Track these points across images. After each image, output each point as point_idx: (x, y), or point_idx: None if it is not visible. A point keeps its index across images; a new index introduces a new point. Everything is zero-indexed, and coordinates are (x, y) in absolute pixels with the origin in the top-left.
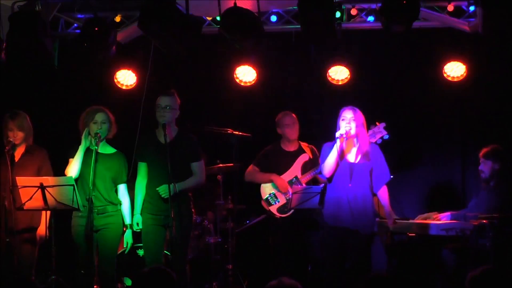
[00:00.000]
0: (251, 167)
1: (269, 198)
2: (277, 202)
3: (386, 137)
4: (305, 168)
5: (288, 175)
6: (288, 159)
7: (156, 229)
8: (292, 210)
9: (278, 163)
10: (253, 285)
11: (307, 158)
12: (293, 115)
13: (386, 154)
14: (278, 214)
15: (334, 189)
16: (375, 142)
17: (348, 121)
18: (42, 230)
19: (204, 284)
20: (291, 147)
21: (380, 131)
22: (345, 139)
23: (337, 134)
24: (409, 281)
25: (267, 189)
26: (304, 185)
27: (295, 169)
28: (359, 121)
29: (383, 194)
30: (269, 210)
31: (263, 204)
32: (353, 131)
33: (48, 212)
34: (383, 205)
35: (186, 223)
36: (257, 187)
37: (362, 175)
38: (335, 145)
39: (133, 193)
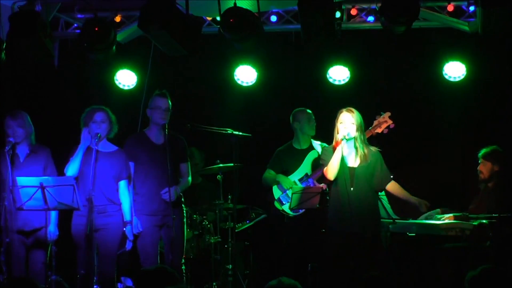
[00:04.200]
0: (266, 172)
1: (281, 198)
2: (289, 201)
3: (392, 126)
4: (315, 165)
5: (299, 173)
6: (299, 157)
7: (152, 230)
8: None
9: (290, 162)
10: (253, 285)
11: (316, 155)
12: (311, 112)
13: (386, 153)
14: (290, 213)
15: (336, 193)
16: (382, 132)
17: (347, 124)
18: (52, 229)
19: (204, 284)
20: (302, 145)
21: (385, 121)
22: (347, 141)
23: (341, 137)
24: (409, 281)
25: (278, 190)
26: (315, 181)
27: (305, 166)
28: (358, 123)
29: (393, 187)
30: (283, 210)
31: (276, 204)
32: (353, 134)
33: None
34: (400, 197)
35: (181, 222)
36: (258, 188)
37: (364, 179)
38: (338, 148)
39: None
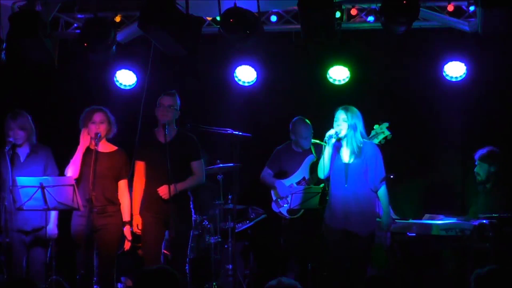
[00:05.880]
0: (264, 170)
1: (279, 200)
2: (286, 203)
3: (390, 137)
4: (313, 169)
5: (297, 176)
6: (298, 160)
7: (156, 228)
8: (301, 211)
9: (288, 164)
10: (253, 285)
11: (314, 159)
12: (309, 123)
13: (386, 153)
14: (288, 216)
15: (331, 190)
16: (379, 143)
17: (339, 122)
18: (52, 228)
19: (204, 284)
20: (301, 148)
21: (382, 132)
22: (335, 139)
23: (326, 136)
24: (409, 281)
25: (275, 193)
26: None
27: (303, 170)
28: (351, 122)
29: (381, 196)
30: (280, 212)
31: (274, 205)
32: (343, 132)
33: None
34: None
35: (186, 223)
36: (258, 188)
37: (357, 175)
38: (326, 147)
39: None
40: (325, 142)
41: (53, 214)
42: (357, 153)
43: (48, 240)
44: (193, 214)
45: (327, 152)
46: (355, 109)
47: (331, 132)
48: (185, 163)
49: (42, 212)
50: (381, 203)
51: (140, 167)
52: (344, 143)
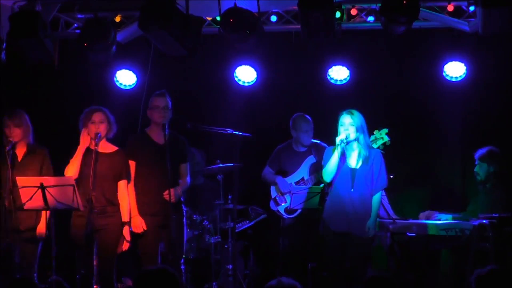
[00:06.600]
0: (265, 169)
1: (277, 198)
2: (284, 202)
3: (389, 143)
4: (312, 169)
5: (296, 176)
6: (298, 159)
7: (154, 230)
8: (299, 211)
9: (288, 163)
10: (253, 285)
11: (314, 160)
12: (310, 119)
13: (386, 153)
14: (285, 214)
15: (336, 193)
16: (377, 148)
17: (346, 126)
18: (41, 228)
19: (204, 284)
20: (301, 148)
21: (382, 138)
22: (345, 144)
23: (337, 140)
24: (409, 281)
25: (276, 189)
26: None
27: (303, 170)
28: (358, 125)
29: (375, 201)
30: (277, 210)
31: (272, 203)
32: (352, 136)
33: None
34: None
35: (181, 223)
36: (258, 188)
37: (364, 180)
38: (335, 151)
39: None
40: (337, 147)
41: (43, 214)
42: (365, 158)
43: (38, 239)
44: (184, 212)
45: (336, 156)
46: (358, 113)
47: (342, 136)
48: (177, 165)
49: (35, 212)
50: (372, 207)
51: (131, 166)
52: (353, 146)
